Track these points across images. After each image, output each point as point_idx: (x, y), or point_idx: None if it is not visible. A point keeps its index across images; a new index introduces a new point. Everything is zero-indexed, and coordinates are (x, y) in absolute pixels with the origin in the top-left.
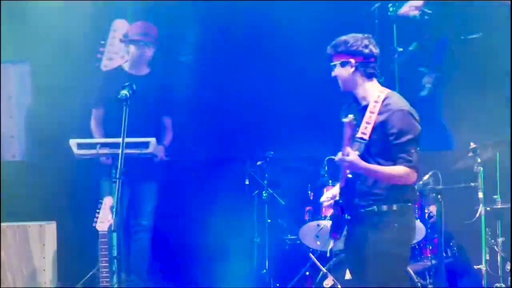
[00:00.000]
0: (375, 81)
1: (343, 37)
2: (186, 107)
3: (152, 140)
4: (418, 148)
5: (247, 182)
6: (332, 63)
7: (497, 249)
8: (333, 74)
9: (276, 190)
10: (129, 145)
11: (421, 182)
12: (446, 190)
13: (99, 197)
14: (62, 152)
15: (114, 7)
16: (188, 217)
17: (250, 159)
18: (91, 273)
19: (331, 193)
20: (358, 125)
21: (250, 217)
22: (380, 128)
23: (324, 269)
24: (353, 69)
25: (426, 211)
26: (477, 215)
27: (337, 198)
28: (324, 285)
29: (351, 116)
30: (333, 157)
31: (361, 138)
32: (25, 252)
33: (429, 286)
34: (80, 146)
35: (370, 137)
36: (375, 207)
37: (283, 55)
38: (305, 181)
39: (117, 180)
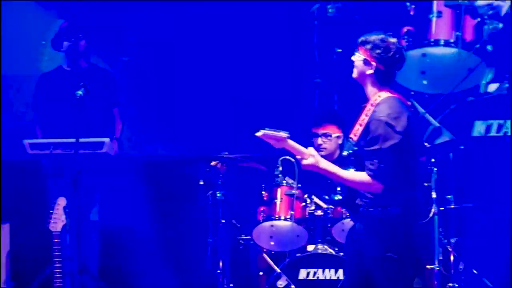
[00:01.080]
0: (385, 87)
1: (377, 38)
2: (134, 101)
3: (106, 140)
4: (396, 159)
5: (201, 182)
6: (356, 52)
7: (449, 249)
8: (353, 58)
9: (230, 190)
10: (83, 146)
11: None
12: None
13: (47, 198)
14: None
15: (56, 8)
16: (141, 217)
17: (204, 159)
18: (44, 273)
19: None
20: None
21: (204, 218)
22: (364, 132)
23: (277, 269)
24: (371, 71)
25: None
26: (430, 215)
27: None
28: (278, 286)
29: (263, 131)
30: (287, 157)
31: (351, 139)
32: None
33: None
34: (33, 146)
35: (358, 139)
36: (372, 209)
37: (227, 55)
38: (259, 181)
39: (71, 180)
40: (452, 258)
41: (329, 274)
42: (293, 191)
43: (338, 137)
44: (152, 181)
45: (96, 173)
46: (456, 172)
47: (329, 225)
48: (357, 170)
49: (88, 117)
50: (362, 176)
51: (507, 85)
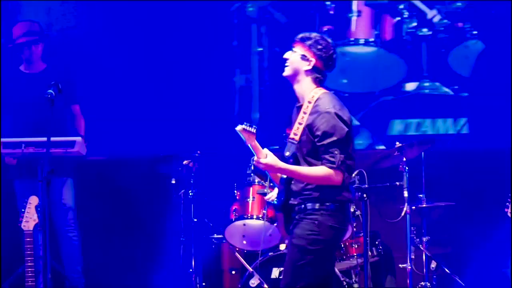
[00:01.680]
0: (318, 85)
1: (318, 36)
2: (99, 101)
3: (78, 139)
4: (349, 149)
5: (173, 181)
6: (293, 48)
7: (422, 248)
8: (286, 56)
9: (202, 189)
10: (54, 144)
11: None
12: (371, 189)
13: (15, 198)
14: None
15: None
16: (113, 216)
17: (176, 158)
18: (16, 272)
19: (276, 193)
20: (291, 126)
21: (176, 216)
22: (308, 129)
23: (250, 268)
24: (309, 67)
25: (351, 210)
26: (402, 213)
27: (273, 199)
28: (250, 284)
29: (243, 126)
30: None
31: (293, 139)
32: None
33: (355, 285)
34: (5, 145)
35: (300, 138)
36: (303, 205)
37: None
38: (232, 180)
39: (43, 179)
40: (424, 257)
41: None
42: (266, 190)
43: None
44: (124, 180)
45: (61, 169)
46: (427, 170)
47: None
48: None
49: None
50: (323, 170)
51: (427, 84)
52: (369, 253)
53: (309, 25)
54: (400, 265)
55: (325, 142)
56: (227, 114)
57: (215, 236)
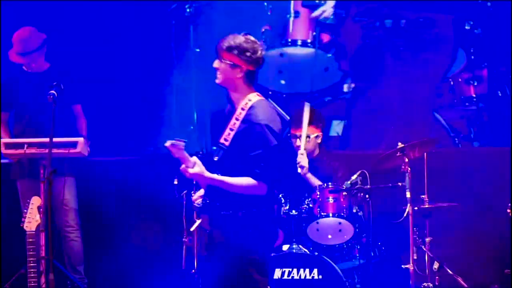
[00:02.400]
0: (252, 88)
1: (242, 41)
2: (103, 101)
3: (80, 139)
4: (277, 161)
5: (175, 182)
6: (221, 58)
7: (424, 249)
8: (215, 65)
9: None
10: (57, 145)
11: (349, 182)
12: (374, 190)
13: (18, 198)
14: None
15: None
16: (115, 216)
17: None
18: (18, 273)
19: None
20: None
21: (179, 217)
22: (240, 137)
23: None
24: (241, 74)
25: (354, 210)
26: (405, 214)
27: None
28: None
29: (171, 141)
30: None
31: (222, 144)
32: None
33: (357, 286)
34: (7, 146)
35: (230, 144)
36: (231, 211)
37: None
38: None
39: (45, 180)
40: (426, 257)
41: (304, 273)
42: None
43: (317, 136)
44: (127, 181)
45: (64, 168)
46: (430, 171)
47: (303, 224)
48: (223, 175)
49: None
50: (248, 181)
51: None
52: (372, 254)
53: (248, 25)
54: (402, 266)
55: (253, 153)
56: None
57: None
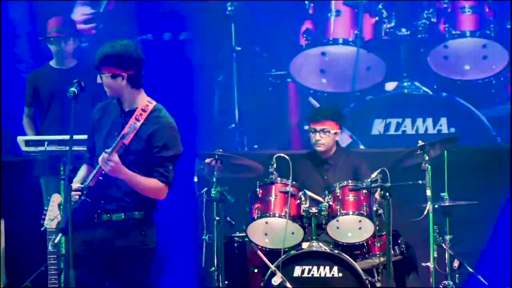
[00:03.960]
0: (142, 90)
1: (114, 49)
2: None
3: None
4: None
5: (195, 180)
6: (101, 73)
7: (445, 247)
8: (99, 81)
9: (224, 188)
10: (77, 142)
11: (369, 180)
12: (394, 188)
13: (41, 195)
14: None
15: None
16: None
17: (198, 156)
18: (39, 270)
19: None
20: (118, 128)
21: (198, 215)
22: (145, 138)
23: (273, 267)
24: (124, 81)
25: (374, 208)
26: (425, 212)
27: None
28: (273, 283)
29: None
30: (282, 154)
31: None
32: None
33: (377, 284)
34: (28, 143)
35: (129, 143)
36: (122, 214)
37: None
38: (254, 178)
39: (65, 177)
40: (447, 255)
41: (324, 271)
42: (288, 188)
43: (336, 133)
44: None
45: None
46: (450, 169)
47: (323, 222)
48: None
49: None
50: (156, 183)
51: (406, 84)
52: (392, 251)
53: (289, 24)
54: (423, 264)
55: (163, 155)
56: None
57: (238, 234)
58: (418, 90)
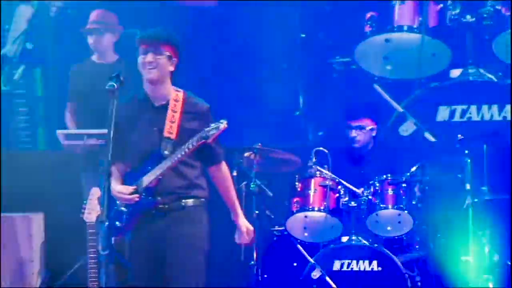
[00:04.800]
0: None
1: (173, 35)
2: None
3: None
4: None
5: (234, 174)
6: (158, 50)
7: (484, 241)
8: (150, 59)
9: (263, 181)
10: None
11: (408, 174)
12: (433, 182)
13: (80, 189)
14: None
15: None
16: None
17: (237, 150)
18: (79, 263)
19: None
20: (156, 125)
21: None
22: (190, 127)
23: (312, 260)
24: (172, 67)
25: (413, 202)
26: (464, 206)
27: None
28: (312, 277)
29: None
30: (321, 148)
31: (168, 138)
32: (12, 243)
33: (417, 277)
34: (67, 137)
35: (178, 136)
36: (179, 203)
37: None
38: (293, 172)
39: (105, 171)
40: (486, 249)
41: (363, 265)
42: (327, 182)
43: (372, 129)
44: None
45: None
46: (490, 163)
47: (363, 216)
48: (186, 167)
49: None
50: (224, 167)
51: (471, 70)
52: (431, 245)
53: (354, 11)
54: (462, 258)
55: (214, 137)
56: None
57: (277, 228)
58: (483, 77)
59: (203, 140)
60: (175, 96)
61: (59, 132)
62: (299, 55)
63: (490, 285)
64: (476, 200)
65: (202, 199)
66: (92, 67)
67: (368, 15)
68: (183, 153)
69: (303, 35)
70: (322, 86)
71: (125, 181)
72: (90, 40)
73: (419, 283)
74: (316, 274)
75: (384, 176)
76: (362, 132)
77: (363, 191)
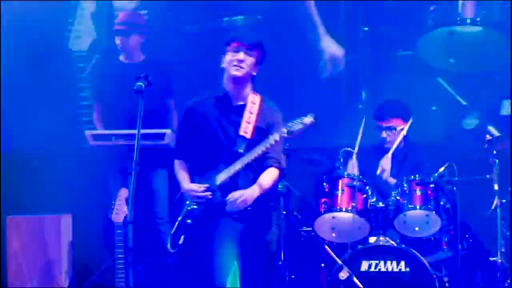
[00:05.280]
0: None
1: (258, 36)
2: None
3: (168, 131)
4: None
5: None
6: (249, 51)
7: None
8: (240, 57)
9: (291, 182)
10: (144, 137)
11: (436, 174)
12: (461, 182)
13: (108, 190)
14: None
15: None
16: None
17: None
18: (106, 264)
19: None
20: (232, 124)
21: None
22: (266, 129)
23: (339, 261)
24: (255, 72)
25: (441, 203)
26: (493, 207)
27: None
28: (340, 277)
29: None
30: (349, 149)
31: (244, 137)
32: (40, 244)
33: (445, 278)
34: (95, 137)
35: (253, 136)
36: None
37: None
38: (321, 172)
39: (132, 172)
40: None
41: (391, 266)
42: (355, 183)
43: (402, 129)
44: None
45: (156, 161)
46: None
47: (391, 217)
48: (258, 167)
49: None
50: (273, 172)
51: None
52: (459, 246)
53: (417, 4)
54: (490, 259)
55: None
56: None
57: (304, 229)
58: None
59: (287, 135)
60: (252, 98)
61: (87, 132)
62: (361, 48)
63: None
64: (504, 200)
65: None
66: (120, 67)
67: (432, 8)
68: (264, 148)
69: (366, 28)
70: (384, 80)
71: (193, 179)
72: (117, 40)
73: (447, 284)
74: (343, 275)
75: (412, 177)
76: (393, 132)
77: (391, 191)
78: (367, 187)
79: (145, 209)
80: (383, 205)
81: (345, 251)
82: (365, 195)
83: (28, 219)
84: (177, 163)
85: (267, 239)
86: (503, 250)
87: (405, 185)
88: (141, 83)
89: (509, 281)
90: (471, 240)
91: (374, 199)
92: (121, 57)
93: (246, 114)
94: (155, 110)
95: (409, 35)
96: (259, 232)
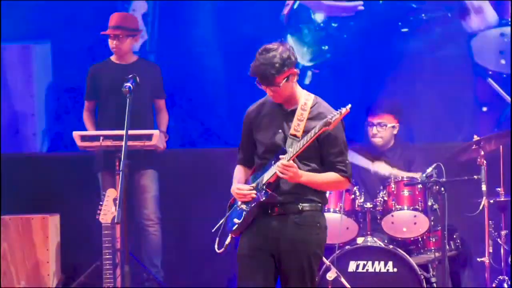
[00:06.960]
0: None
1: (276, 53)
2: (188, 94)
3: (155, 132)
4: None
5: None
6: (275, 85)
7: (500, 242)
8: (272, 88)
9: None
10: (132, 137)
11: (424, 175)
12: (449, 183)
13: (98, 190)
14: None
15: None
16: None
17: None
18: (94, 265)
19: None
20: (281, 127)
21: None
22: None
23: (327, 262)
24: (295, 79)
25: (429, 203)
26: (480, 207)
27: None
28: (328, 278)
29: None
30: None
31: (294, 136)
32: (28, 244)
33: (432, 278)
34: (83, 138)
35: (303, 135)
36: (297, 206)
37: None
38: None
39: (120, 172)
40: (502, 251)
41: (379, 266)
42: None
43: (393, 126)
44: (216, 172)
45: (145, 162)
46: (506, 164)
47: (378, 217)
48: (304, 167)
49: (135, 109)
50: (337, 177)
51: None
52: (447, 247)
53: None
54: (478, 259)
55: (338, 148)
56: None
57: None
58: None
59: (325, 127)
60: (304, 101)
61: (75, 133)
62: (400, 49)
63: (505, 286)
64: (491, 201)
65: (319, 204)
66: (111, 67)
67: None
68: (305, 142)
69: (405, 30)
70: (434, 80)
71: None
72: (111, 44)
73: (434, 284)
74: (331, 275)
75: (400, 177)
76: (383, 129)
77: (378, 192)
78: (354, 188)
79: (133, 210)
80: (371, 206)
81: (332, 251)
82: (353, 196)
83: (15, 219)
84: (236, 168)
85: (314, 242)
86: (490, 250)
87: (393, 185)
88: (129, 84)
89: (509, 281)
90: (458, 241)
91: (362, 200)
92: (113, 57)
93: (298, 112)
94: (141, 111)
95: (460, 36)
96: (303, 235)
